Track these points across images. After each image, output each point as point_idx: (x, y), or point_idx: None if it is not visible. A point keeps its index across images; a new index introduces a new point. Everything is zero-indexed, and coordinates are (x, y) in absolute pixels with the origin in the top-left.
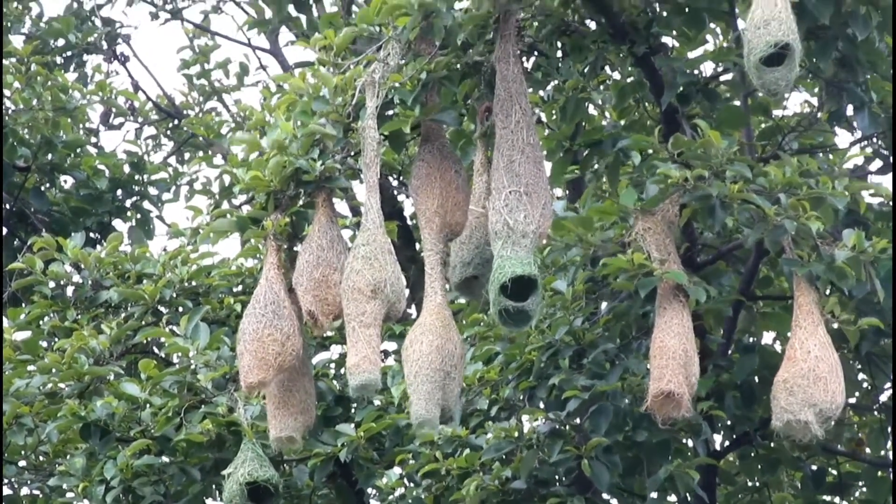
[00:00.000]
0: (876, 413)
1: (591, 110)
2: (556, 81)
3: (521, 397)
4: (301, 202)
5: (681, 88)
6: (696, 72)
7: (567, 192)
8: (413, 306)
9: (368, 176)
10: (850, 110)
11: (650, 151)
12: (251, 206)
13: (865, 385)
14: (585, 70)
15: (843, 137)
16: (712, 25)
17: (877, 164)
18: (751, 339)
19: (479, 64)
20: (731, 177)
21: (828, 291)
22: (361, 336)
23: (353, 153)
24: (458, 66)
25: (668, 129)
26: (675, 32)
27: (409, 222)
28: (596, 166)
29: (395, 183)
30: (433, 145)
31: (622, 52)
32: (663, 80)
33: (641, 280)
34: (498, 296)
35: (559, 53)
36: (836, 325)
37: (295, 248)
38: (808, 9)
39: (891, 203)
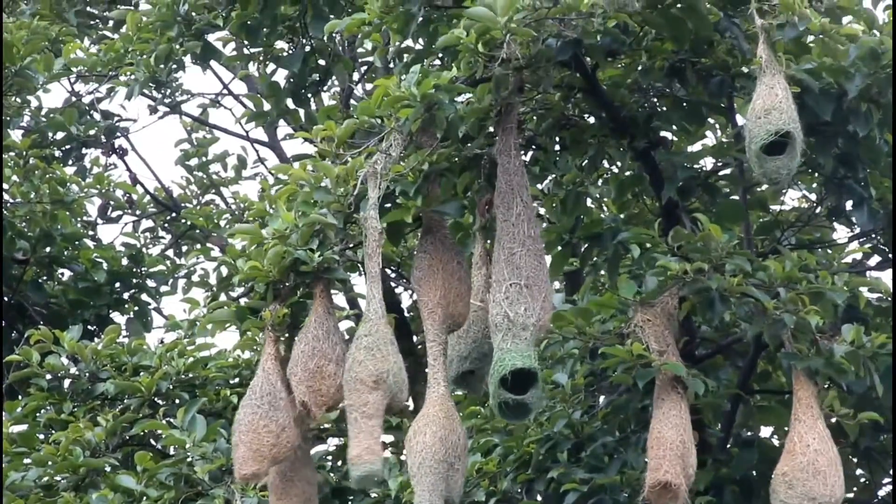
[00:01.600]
0: None
1: (590, 203)
2: (554, 175)
3: (520, 490)
4: (300, 293)
5: (681, 183)
6: (696, 166)
7: (565, 284)
8: (410, 400)
9: (370, 266)
10: (848, 205)
11: (649, 245)
12: (249, 297)
13: (863, 480)
14: (584, 164)
15: (840, 232)
16: (711, 121)
17: (875, 259)
18: (749, 433)
19: (479, 156)
20: (731, 270)
21: (826, 386)
22: (363, 427)
23: (351, 245)
24: (459, 158)
25: (668, 222)
26: (674, 127)
27: (406, 314)
28: (595, 259)
29: (393, 275)
30: (435, 237)
31: (622, 146)
32: (663, 175)
33: (640, 371)
34: (498, 388)
35: (558, 147)
36: (834, 420)
37: (293, 338)
38: (810, 105)
39: (889, 298)
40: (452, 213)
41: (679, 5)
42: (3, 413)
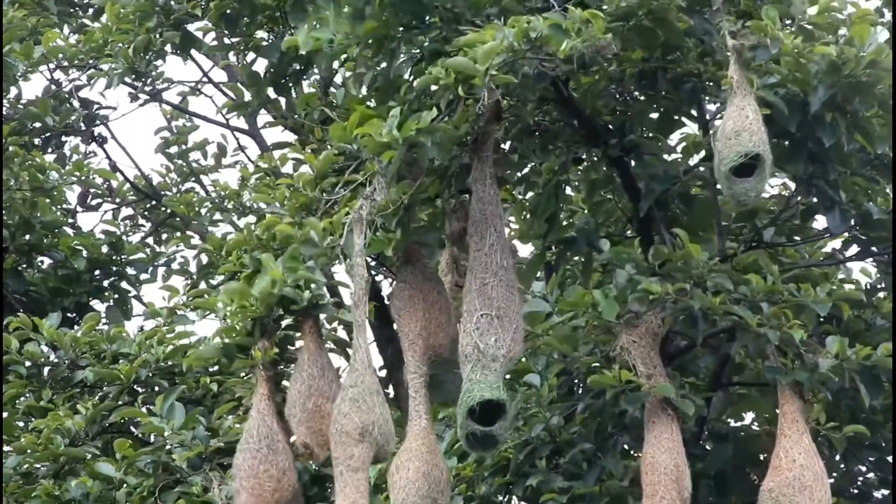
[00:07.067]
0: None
1: (568, 191)
2: (534, 164)
3: (498, 494)
4: (284, 324)
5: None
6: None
7: (543, 273)
8: (391, 387)
9: (357, 314)
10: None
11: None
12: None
13: (843, 467)
14: (556, 169)
15: (820, 221)
16: (685, 121)
17: (853, 248)
18: (724, 426)
19: (453, 170)
20: (713, 288)
21: (810, 396)
22: (349, 481)
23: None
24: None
25: (644, 230)
26: (645, 129)
27: (386, 302)
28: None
29: (373, 263)
30: (415, 267)
31: (595, 154)
32: (639, 187)
33: (629, 396)
34: (465, 419)
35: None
36: (814, 422)
37: (280, 369)
38: (776, 118)
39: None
40: (432, 242)
41: (650, 16)
42: None
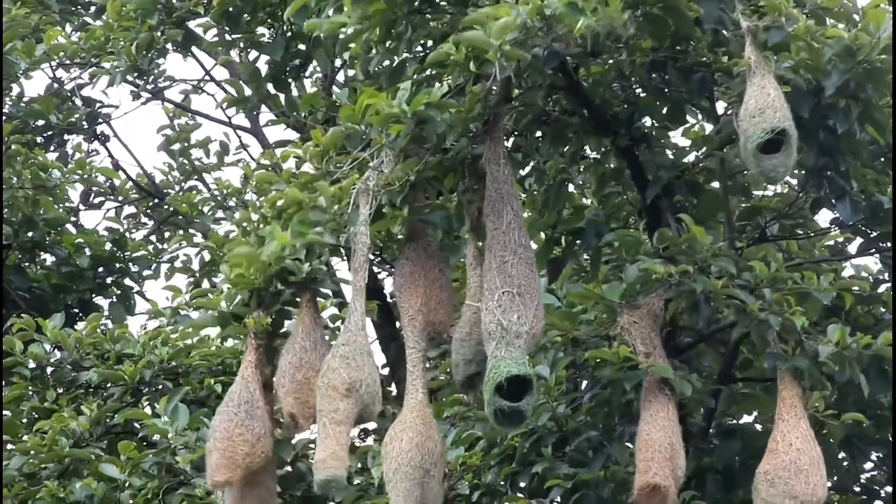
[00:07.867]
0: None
1: (572, 188)
2: (535, 162)
3: (503, 483)
4: (283, 300)
5: (664, 182)
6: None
7: (547, 270)
8: (393, 385)
9: (356, 280)
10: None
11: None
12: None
13: (846, 464)
14: (565, 156)
15: (823, 215)
16: (693, 117)
17: (857, 241)
18: (733, 420)
19: (464, 158)
20: (716, 272)
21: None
22: (331, 432)
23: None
24: (444, 163)
25: (652, 220)
26: (655, 122)
27: (389, 300)
28: (577, 247)
29: (376, 260)
30: (418, 244)
31: (604, 144)
32: (646, 175)
33: (627, 373)
34: (493, 396)
35: (539, 137)
36: (813, 408)
37: (274, 345)
38: (788, 103)
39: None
40: (438, 222)
41: (660, 5)
42: None
